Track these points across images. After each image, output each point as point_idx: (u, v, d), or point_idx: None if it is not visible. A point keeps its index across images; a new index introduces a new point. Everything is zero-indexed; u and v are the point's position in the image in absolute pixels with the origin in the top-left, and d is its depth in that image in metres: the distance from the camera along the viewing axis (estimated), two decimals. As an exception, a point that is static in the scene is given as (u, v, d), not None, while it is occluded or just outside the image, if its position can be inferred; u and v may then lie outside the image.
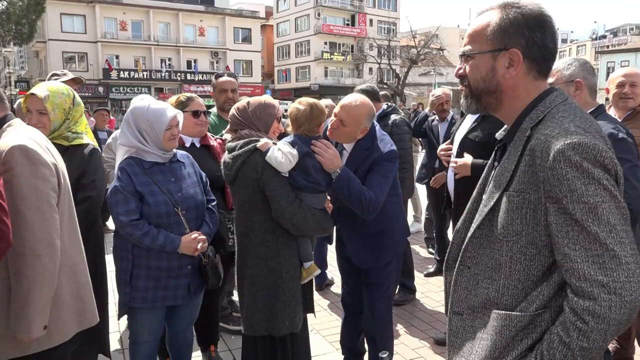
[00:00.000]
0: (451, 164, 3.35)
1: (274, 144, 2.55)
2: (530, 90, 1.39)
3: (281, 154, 2.48)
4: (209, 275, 2.77)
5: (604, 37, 55.61)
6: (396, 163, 2.86)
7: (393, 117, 4.66)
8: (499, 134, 1.52)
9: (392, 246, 3.03)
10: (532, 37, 1.34)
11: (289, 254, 2.59)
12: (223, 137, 3.52)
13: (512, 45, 1.36)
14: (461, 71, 1.46)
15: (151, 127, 2.60)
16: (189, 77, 43.96)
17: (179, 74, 43.62)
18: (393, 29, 53.81)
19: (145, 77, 42.02)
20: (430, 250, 6.41)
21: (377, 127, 2.94)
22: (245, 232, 2.60)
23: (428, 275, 5.53)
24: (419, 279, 5.30)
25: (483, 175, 1.54)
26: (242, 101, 2.72)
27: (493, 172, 1.48)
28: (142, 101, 2.73)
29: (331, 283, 5.28)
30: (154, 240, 2.52)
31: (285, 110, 3.05)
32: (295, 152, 2.52)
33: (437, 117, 5.49)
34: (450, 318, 1.50)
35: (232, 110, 2.69)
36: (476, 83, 1.44)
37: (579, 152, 1.19)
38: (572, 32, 74.35)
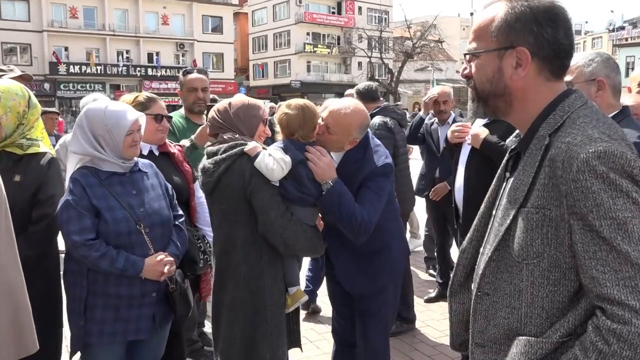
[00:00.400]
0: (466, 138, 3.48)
1: (264, 148, 2.56)
2: (543, 93, 1.41)
3: (272, 160, 2.49)
4: (177, 304, 2.74)
5: (622, 28, 56.74)
6: (391, 178, 2.87)
7: (375, 119, 4.71)
8: (511, 141, 1.55)
9: (390, 269, 3.02)
10: (541, 33, 1.36)
11: (274, 276, 2.59)
12: (181, 144, 3.59)
13: (519, 43, 1.38)
14: (467, 71, 1.49)
15: (109, 132, 2.59)
16: (150, 72, 43.84)
17: (138, 68, 43.48)
18: (385, 18, 54.36)
19: (99, 72, 41.76)
20: (431, 271, 6.44)
21: (371, 136, 2.95)
22: (226, 248, 2.60)
23: (429, 300, 5.56)
24: (418, 305, 5.31)
25: (492, 187, 1.56)
26: (223, 102, 2.74)
27: (504, 184, 1.50)
28: (98, 102, 2.71)
29: (318, 310, 5.26)
30: (113, 263, 2.49)
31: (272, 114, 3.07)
32: (288, 158, 2.53)
33: (436, 120, 5.46)
34: (472, 351, 1.51)
35: (212, 112, 2.70)
36: (482, 85, 1.46)
37: (605, 161, 1.21)
38: (586, 22, 76.06)
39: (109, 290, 2.59)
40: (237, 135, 2.61)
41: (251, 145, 2.54)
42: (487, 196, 1.55)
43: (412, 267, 6.51)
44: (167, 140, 3.35)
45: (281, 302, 2.63)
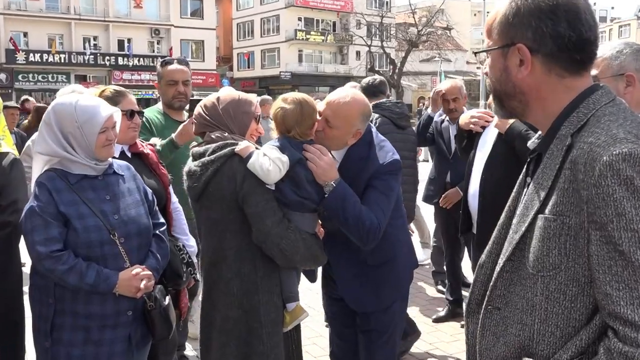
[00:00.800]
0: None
1: (257, 148, 2.58)
2: (561, 90, 1.45)
3: (268, 160, 2.50)
4: (156, 324, 2.73)
5: (653, 15, 57.21)
6: (399, 176, 2.91)
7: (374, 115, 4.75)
8: (532, 142, 1.58)
9: (396, 282, 3.06)
10: (540, 27, 1.40)
11: (270, 291, 2.61)
12: (152, 142, 3.59)
13: (518, 40, 1.43)
14: (486, 69, 1.56)
15: (80, 129, 2.59)
16: (120, 61, 43.75)
17: (107, 57, 43.36)
18: (387, 2, 54.57)
19: (62, 61, 41.64)
20: (440, 287, 6.46)
21: (374, 131, 2.98)
22: (215, 261, 2.62)
23: (437, 320, 5.58)
24: (426, 325, 5.36)
25: (513, 194, 1.59)
26: (211, 97, 2.75)
27: (525, 189, 1.53)
28: (68, 96, 2.71)
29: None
30: (82, 277, 2.49)
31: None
32: (285, 158, 2.55)
33: (447, 118, 5.47)
34: None
35: (198, 109, 2.72)
36: (495, 85, 1.54)
37: (631, 164, 1.23)
38: (612, 8, 76.52)
39: (78, 308, 2.58)
40: (226, 134, 2.62)
41: (243, 145, 2.55)
42: (507, 204, 1.57)
43: (418, 282, 6.56)
44: (137, 140, 3.35)
45: (278, 319, 2.64)
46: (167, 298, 2.86)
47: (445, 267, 5.92)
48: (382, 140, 2.95)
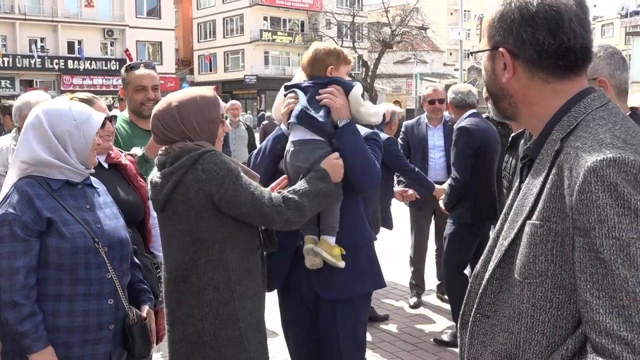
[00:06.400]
0: None
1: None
2: (548, 95, 1.55)
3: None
4: (136, 340, 2.76)
5: (637, 13, 58.06)
6: (381, 148, 3.24)
7: None
8: (526, 147, 1.67)
9: (373, 270, 3.27)
10: (520, 34, 1.50)
11: (244, 295, 2.68)
12: (132, 152, 3.58)
13: (501, 44, 1.55)
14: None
15: (78, 129, 2.64)
16: (70, 65, 43.33)
17: (56, 60, 42.92)
18: (358, 1, 54.88)
19: (6, 64, 40.91)
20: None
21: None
22: (184, 274, 2.66)
23: (441, 343, 5.51)
24: (406, 343, 5.53)
25: (508, 201, 1.67)
26: (163, 104, 2.72)
27: (519, 195, 1.62)
28: (53, 101, 2.77)
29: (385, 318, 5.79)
30: (20, 320, 2.49)
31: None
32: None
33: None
34: None
35: (155, 121, 2.71)
36: (487, 85, 1.68)
37: (616, 170, 1.27)
38: (594, 6, 77.81)
39: (59, 323, 2.60)
40: (190, 144, 2.66)
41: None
42: (503, 212, 1.65)
43: (398, 301, 6.71)
44: (116, 149, 3.37)
45: (255, 320, 2.73)
46: (146, 314, 2.89)
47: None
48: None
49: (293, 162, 3.01)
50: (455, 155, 5.16)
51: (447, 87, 6.36)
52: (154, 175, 2.73)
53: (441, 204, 5.41)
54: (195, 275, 2.64)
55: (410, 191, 5.80)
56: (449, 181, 5.28)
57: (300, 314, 3.28)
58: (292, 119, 3.03)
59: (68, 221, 2.61)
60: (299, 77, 3.30)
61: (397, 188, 5.93)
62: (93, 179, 2.87)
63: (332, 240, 3.02)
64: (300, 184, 2.79)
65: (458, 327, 1.70)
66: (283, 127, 3.23)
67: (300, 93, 3.07)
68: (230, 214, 2.62)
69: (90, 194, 2.79)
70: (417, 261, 6.57)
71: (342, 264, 3.00)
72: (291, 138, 3.08)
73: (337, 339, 3.17)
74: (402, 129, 6.48)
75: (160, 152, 2.77)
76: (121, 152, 3.45)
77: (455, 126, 5.32)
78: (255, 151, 3.41)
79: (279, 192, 2.74)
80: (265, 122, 12.36)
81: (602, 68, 2.63)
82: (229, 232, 2.65)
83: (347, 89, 3.05)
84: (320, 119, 2.95)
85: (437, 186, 5.66)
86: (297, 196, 2.72)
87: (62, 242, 2.58)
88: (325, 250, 2.97)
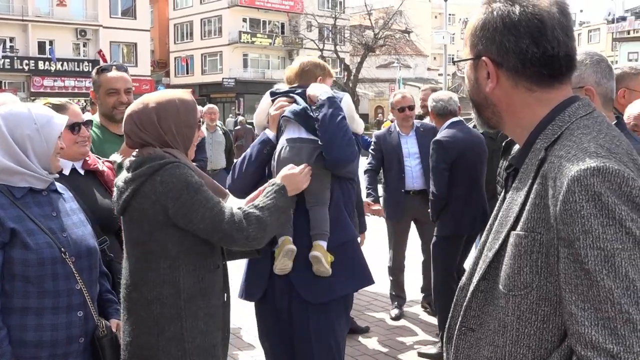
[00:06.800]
0: None
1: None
2: (532, 104, 1.56)
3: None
4: (106, 353, 2.74)
5: (624, 19, 59.16)
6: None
7: None
8: (511, 157, 1.69)
9: (360, 269, 3.33)
10: (503, 43, 1.51)
11: (194, 316, 2.62)
12: (111, 159, 3.52)
13: (484, 53, 1.56)
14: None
15: (39, 133, 2.61)
16: (41, 66, 43.05)
17: (26, 61, 42.62)
18: (341, 2, 55.24)
19: (-27, 65, 40.74)
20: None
21: None
22: (136, 283, 2.63)
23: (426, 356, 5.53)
24: (387, 357, 5.50)
25: (494, 212, 1.68)
26: (138, 104, 2.68)
27: (503, 205, 1.63)
28: (13, 105, 2.73)
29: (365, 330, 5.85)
30: None
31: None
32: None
33: (399, 129, 6.17)
34: None
35: (129, 121, 2.66)
36: (470, 95, 1.69)
37: (600, 180, 1.29)
38: (581, 11, 79.15)
39: (27, 337, 2.57)
40: (160, 150, 2.62)
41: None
42: (489, 223, 1.66)
43: (378, 313, 6.67)
44: (94, 155, 3.35)
45: (205, 345, 2.67)
46: (115, 328, 2.87)
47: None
48: None
49: (292, 157, 3.10)
50: (431, 169, 5.33)
51: (434, 91, 6.51)
52: (119, 178, 2.70)
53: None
54: (145, 287, 2.61)
55: (378, 206, 5.83)
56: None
57: (276, 324, 3.31)
58: (288, 114, 3.17)
59: (33, 231, 2.58)
60: (284, 88, 3.43)
61: (366, 199, 5.93)
62: (59, 185, 2.85)
63: (325, 245, 3.06)
64: (261, 199, 2.75)
65: (445, 342, 1.70)
66: (268, 132, 3.28)
67: (298, 98, 3.24)
68: (187, 229, 2.57)
69: (56, 200, 2.76)
70: (396, 271, 6.55)
71: (330, 271, 3.07)
72: (286, 136, 3.21)
73: (310, 348, 3.20)
74: (374, 139, 6.50)
75: (132, 155, 2.72)
76: (98, 158, 3.43)
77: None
78: (239, 159, 3.43)
79: (239, 208, 2.69)
80: (237, 127, 12.28)
81: (588, 76, 2.63)
82: (185, 248, 2.60)
83: (337, 97, 3.21)
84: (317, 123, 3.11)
85: (366, 201, 5.79)
86: (259, 211, 2.66)
87: (27, 253, 2.55)
88: (323, 256, 3.05)
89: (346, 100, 3.22)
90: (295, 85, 3.36)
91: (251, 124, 23.28)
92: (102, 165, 3.37)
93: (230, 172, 3.45)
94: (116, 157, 3.59)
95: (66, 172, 3.12)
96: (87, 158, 3.29)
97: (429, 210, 5.44)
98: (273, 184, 2.80)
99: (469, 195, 5.22)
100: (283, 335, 3.30)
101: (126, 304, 2.69)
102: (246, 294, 3.37)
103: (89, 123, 3.30)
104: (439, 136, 5.28)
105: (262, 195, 2.77)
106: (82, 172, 3.26)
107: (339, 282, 3.18)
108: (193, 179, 2.56)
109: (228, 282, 2.85)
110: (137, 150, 2.69)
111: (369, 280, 3.38)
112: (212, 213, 2.55)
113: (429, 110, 5.63)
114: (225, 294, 2.82)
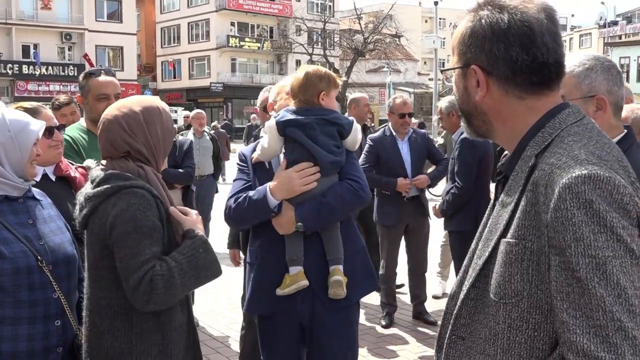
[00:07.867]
0: None
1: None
2: (522, 111, 1.56)
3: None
4: None
5: (615, 23, 59.64)
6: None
7: None
8: (500, 164, 1.68)
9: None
10: (492, 51, 1.52)
11: (147, 352, 2.48)
12: (86, 165, 3.42)
13: (473, 61, 1.57)
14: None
15: (13, 139, 2.58)
16: (25, 70, 42.93)
17: (10, 65, 42.49)
18: (330, 6, 55.32)
19: (-44, 69, 40.52)
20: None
21: None
22: (91, 310, 2.54)
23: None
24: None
25: (484, 219, 1.69)
26: (122, 108, 2.56)
27: (493, 212, 1.63)
28: None
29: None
30: None
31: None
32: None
33: (394, 132, 6.24)
34: None
35: (113, 126, 2.53)
36: (459, 104, 1.70)
37: (591, 187, 1.30)
38: (572, 15, 79.61)
39: (2, 348, 2.54)
40: (133, 164, 2.52)
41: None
42: (479, 230, 1.67)
43: (368, 322, 6.68)
44: (67, 161, 3.32)
45: None
46: None
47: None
48: None
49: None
50: (459, 165, 5.54)
51: (441, 96, 6.78)
52: (80, 192, 2.58)
53: (431, 212, 5.88)
54: (98, 316, 2.50)
55: (407, 181, 6.14)
56: (451, 189, 5.64)
57: (286, 335, 3.32)
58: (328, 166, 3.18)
59: (8, 240, 2.55)
60: (281, 98, 3.45)
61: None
62: (36, 191, 2.82)
63: (342, 268, 3.18)
64: (177, 256, 2.42)
65: (435, 351, 1.71)
66: (272, 200, 3.13)
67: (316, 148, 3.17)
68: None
69: (33, 208, 2.74)
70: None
71: (345, 294, 3.16)
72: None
73: (332, 352, 3.29)
74: (369, 142, 6.44)
75: (101, 164, 2.60)
76: (71, 163, 3.39)
77: (453, 137, 5.77)
78: (242, 200, 3.24)
79: (160, 262, 2.39)
80: (212, 131, 12.13)
81: (599, 84, 2.46)
82: None
83: (347, 130, 3.26)
84: (342, 160, 3.22)
85: (399, 179, 6.08)
86: (170, 272, 2.35)
87: (2, 262, 2.52)
88: (344, 280, 3.15)
89: (356, 127, 3.30)
90: (292, 102, 3.26)
91: (225, 127, 23.18)
92: (74, 171, 3.33)
93: (231, 205, 3.27)
94: (90, 162, 3.47)
95: (37, 177, 3.04)
96: (60, 163, 3.25)
97: (429, 211, 5.72)
98: (194, 237, 2.49)
99: (488, 192, 5.48)
100: (293, 345, 3.34)
101: (84, 324, 2.58)
102: (257, 308, 3.37)
103: (62, 128, 3.28)
104: (464, 135, 5.36)
105: (177, 252, 2.44)
106: (53, 178, 3.22)
107: (357, 287, 3.29)
108: (142, 213, 2.38)
109: (192, 317, 2.72)
110: (107, 159, 2.56)
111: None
112: (130, 259, 2.34)
113: (441, 110, 6.08)
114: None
